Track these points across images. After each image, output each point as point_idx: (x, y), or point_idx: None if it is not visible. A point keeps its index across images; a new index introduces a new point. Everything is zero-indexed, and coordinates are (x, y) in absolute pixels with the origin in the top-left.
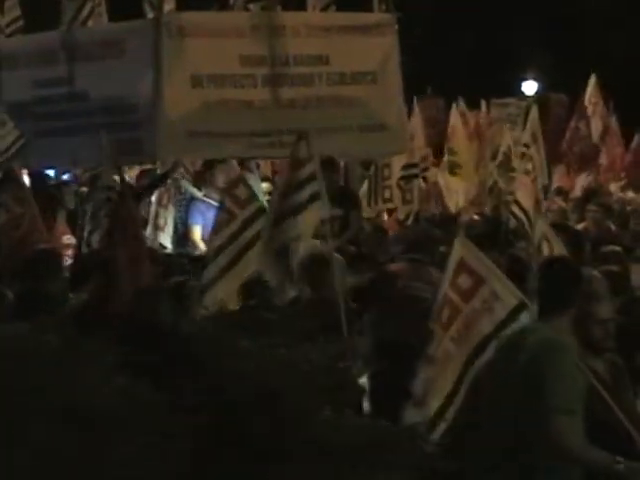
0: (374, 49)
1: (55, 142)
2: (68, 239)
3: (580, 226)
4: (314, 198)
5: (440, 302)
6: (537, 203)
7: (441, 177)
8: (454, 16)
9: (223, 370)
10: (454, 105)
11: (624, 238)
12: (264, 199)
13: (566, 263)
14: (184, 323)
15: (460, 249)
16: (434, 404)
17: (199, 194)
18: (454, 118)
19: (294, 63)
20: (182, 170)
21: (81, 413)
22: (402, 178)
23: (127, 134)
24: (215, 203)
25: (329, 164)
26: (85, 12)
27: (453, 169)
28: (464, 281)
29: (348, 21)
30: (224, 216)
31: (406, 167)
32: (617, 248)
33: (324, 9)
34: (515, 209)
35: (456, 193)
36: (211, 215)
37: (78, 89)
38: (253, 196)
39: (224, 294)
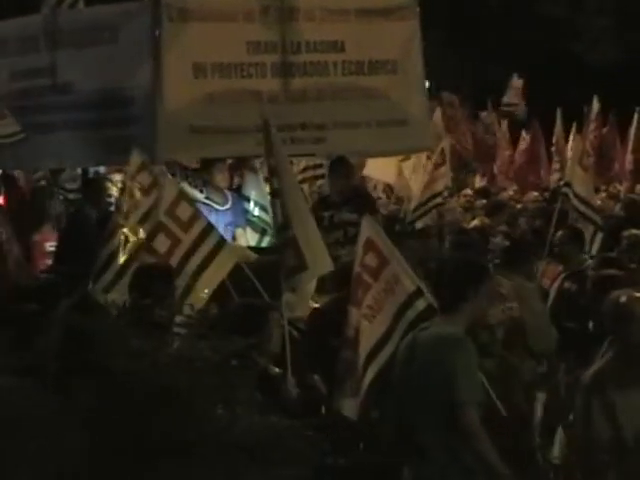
0: (394, 35)
1: (36, 140)
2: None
3: (472, 224)
4: None
5: (354, 281)
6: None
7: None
8: None
9: (116, 368)
10: None
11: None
12: (267, 202)
13: (464, 259)
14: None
15: (367, 229)
16: (352, 384)
17: (200, 196)
18: None
19: (307, 50)
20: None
21: None
22: (302, 182)
23: (119, 131)
24: (217, 206)
25: (341, 164)
26: None
27: None
28: (371, 260)
29: (366, 4)
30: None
31: (305, 170)
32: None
33: None
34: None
35: None
36: (213, 219)
37: (62, 80)
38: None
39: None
